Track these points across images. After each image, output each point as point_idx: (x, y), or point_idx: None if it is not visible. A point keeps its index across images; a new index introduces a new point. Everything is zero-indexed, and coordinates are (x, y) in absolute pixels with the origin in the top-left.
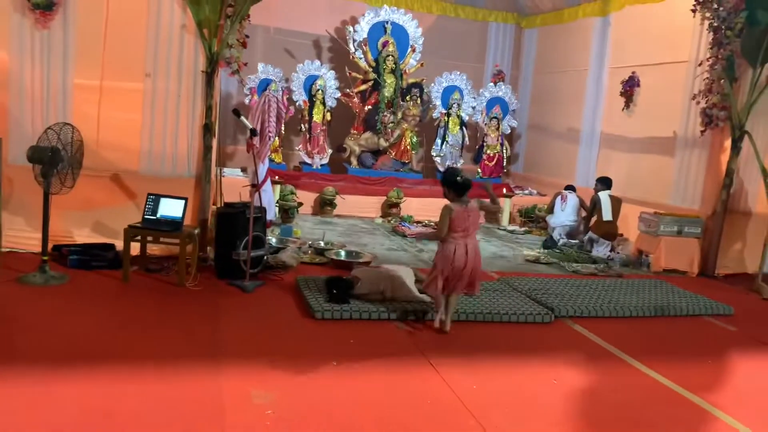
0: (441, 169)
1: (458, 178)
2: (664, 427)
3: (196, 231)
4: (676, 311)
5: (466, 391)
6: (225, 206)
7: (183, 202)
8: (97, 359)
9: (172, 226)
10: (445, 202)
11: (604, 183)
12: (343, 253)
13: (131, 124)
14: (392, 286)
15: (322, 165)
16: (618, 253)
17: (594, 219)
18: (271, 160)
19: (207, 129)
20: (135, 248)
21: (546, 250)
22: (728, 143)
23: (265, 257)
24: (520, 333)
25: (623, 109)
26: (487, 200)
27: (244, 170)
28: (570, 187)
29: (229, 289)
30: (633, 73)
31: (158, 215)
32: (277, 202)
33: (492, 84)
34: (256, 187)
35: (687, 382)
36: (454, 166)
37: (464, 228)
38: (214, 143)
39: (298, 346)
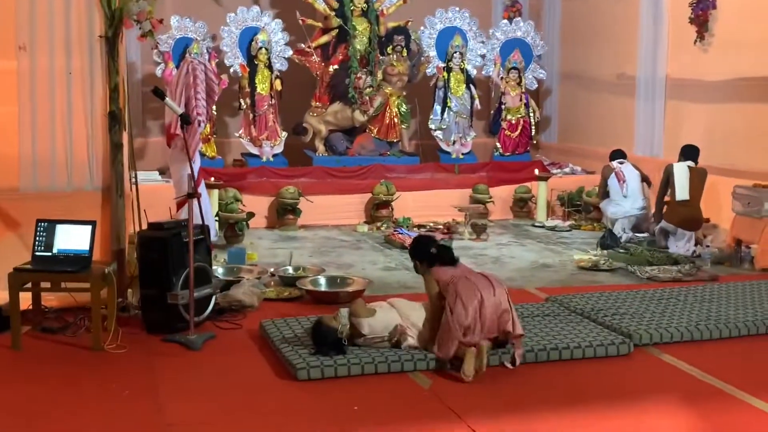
0: (444, 147)
1: (432, 248)
2: None
3: (112, 268)
4: None
5: None
6: (150, 227)
7: (89, 228)
8: None
9: (77, 264)
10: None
11: (686, 153)
12: (322, 280)
13: (3, 121)
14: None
15: (274, 156)
16: (707, 246)
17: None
18: (201, 156)
19: (114, 119)
20: (25, 300)
21: (605, 251)
22: None
23: (214, 297)
24: (589, 374)
25: (695, 42)
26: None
27: (162, 173)
28: (617, 155)
29: (166, 348)
30: None
31: (55, 250)
32: (217, 215)
33: (505, 21)
34: (192, 195)
35: None
36: (425, 234)
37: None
38: (125, 138)
39: (281, 422)
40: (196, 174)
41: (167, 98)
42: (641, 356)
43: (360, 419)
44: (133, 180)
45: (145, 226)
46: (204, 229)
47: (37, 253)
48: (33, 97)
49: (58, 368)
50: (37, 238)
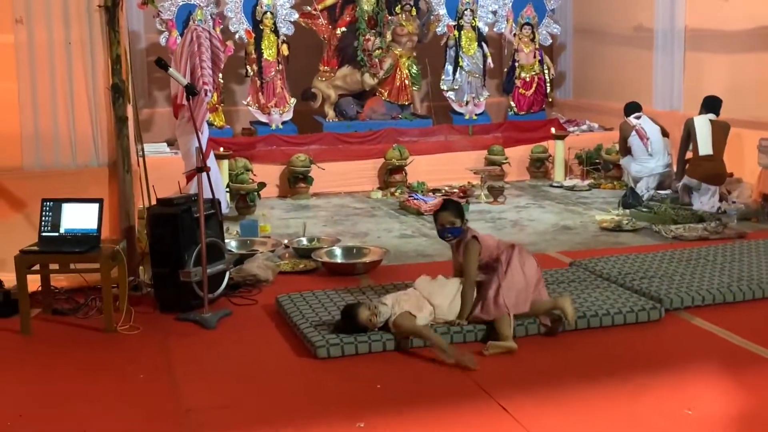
0: (457, 108)
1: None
2: None
3: (122, 246)
4: None
5: None
6: (160, 203)
7: (97, 206)
8: None
9: (85, 243)
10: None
11: (707, 105)
12: (338, 251)
13: (3, 97)
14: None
15: (284, 123)
16: (732, 203)
17: (689, 155)
18: (209, 125)
19: (117, 91)
20: (34, 282)
21: (627, 210)
22: None
23: (228, 273)
24: (620, 341)
25: None
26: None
27: (170, 144)
28: (633, 108)
29: (180, 327)
30: None
31: (62, 230)
32: (228, 186)
33: None
34: (200, 169)
35: None
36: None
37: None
38: (130, 111)
39: (303, 403)
40: (204, 146)
41: (171, 69)
42: (673, 321)
43: (384, 398)
44: (141, 153)
45: (154, 202)
46: (215, 203)
47: (44, 234)
48: (32, 71)
49: (70, 352)
50: (43, 219)
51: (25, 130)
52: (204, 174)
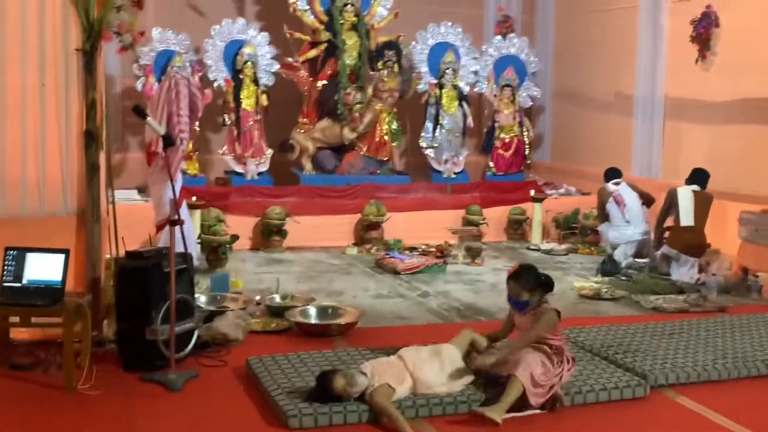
0: (436, 165)
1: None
2: None
3: (87, 300)
4: None
5: None
6: (128, 256)
7: (62, 257)
8: None
9: (49, 296)
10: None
11: (694, 177)
12: (312, 311)
13: None
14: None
15: (260, 174)
16: (712, 275)
17: (670, 224)
18: (183, 173)
19: (90, 138)
20: None
21: (606, 278)
22: None
23: (196, 331)
24: (606, 419)
25: (697, 62)
26: None
27: (141, 191)
28: (612, 174)
29: (144, 389)
30: (708, 7)
31: (25, 280)
32: (199, 237)
33: (498, 37)
34: (175, 222)
35: None
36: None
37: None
38: (102, 158)
39: None
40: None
41: (149, 117)
42: (657, 399)
43: None
44: (111, 200)
45: (122, 252)
46: (187, 257)
47: (6, 284)
48: (3, 114)
49: (26, 412)
50: (6, 268)
51: None
52: (177, 227)
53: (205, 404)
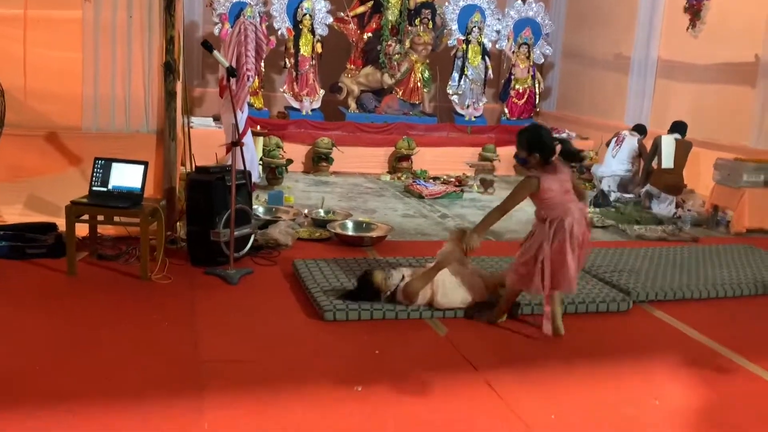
0: (459, 110)
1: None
2: None
3: (162, 204)
4: None
5: (544, 424)
6: (198, 171)
7: (142, 167)
8: (32, 398)
9: (130, 200)
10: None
11: (675, 127)
12: (350, 224)
13: (69, 66)
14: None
15: (313, 110)
16: (688, 210)
17: (654, 167)
18: (249, 106)
19: (169, 69)
20: (82, 228)
21: (598, 209)
22: None
23: (253, 236)
24: (593, 329)
25: (688, 29)
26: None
27: (216, 119)
28: (638, 128)
29: (207, 281)
30: None
31: (110, 186)
32: (261, 160)
33: (519, 1)
34: (235, 144)
35: None
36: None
37: (567, 190)
38: (179, 87)
39: (307, 363)
40: (242, 124)
41: (215, 51)
42: (639, 313)
43: (381, 364)
44: (191, 125)
45: (193, 168)
46: (246, 174)
47: (94, 188)
48: (96, 45)
49: (107, 295)
50: (95, 174)
51: (86, 96)
52: (238, 148)
53: (256, 296)
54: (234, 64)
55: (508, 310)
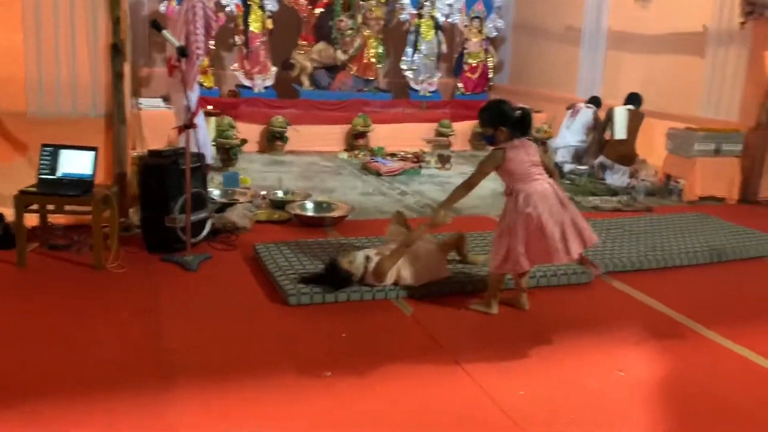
0: (414, 85)
1: (516, 112)
2: None
3: (114, 191)
4: (735, 253)
5: (512, 401)
6: (150, 154)
7: (92, 154)
8: None
9: (80, 187)
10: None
11: (629, 99)
12: (309, 205)
13: (9, 47)
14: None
15: (265, 88)
16: (641, 180)
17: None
18: (200, 85)
19: (116, 50)
20: (32, 218)
21: None
22: None
23: (210, 220)
24: (556, 303)
25: (636, 0)
26: None
27: (166, 100)
28: (593, 100)
29: (164, 268)
30: None
31: (59, 173)
32: (214, 141)
33: None
34: (188, 126)
35: None
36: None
37: (533, 163)
38: (127, 68)
39: (272, 349)
40: (193, 105)
41: (165, 31)
42: (599, 285)
43: (349, 346)
44: (139, 106)
45: (145, 152)
46: (200, 156)
47: (42, 176)
48: (38, 25)
49: (60, 287)
50: (43, 162)
51: (29, 79)
52: (191, 130)
53: (216, 282)
54: (183, 43)
55: (498, 294)
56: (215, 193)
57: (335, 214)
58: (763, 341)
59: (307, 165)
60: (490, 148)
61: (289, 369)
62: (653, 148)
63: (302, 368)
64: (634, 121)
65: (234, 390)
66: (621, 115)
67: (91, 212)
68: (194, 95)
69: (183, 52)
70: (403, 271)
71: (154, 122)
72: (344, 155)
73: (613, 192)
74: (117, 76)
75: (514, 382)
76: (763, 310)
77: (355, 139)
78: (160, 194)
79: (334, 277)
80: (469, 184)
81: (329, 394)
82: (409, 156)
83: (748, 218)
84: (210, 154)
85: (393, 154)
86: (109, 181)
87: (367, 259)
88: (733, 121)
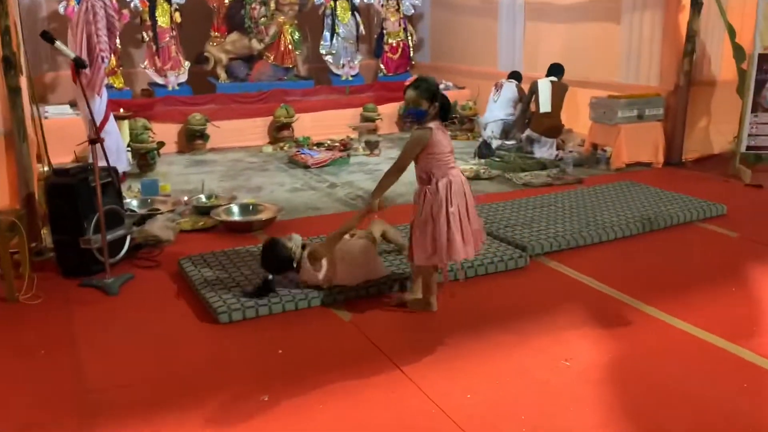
0: (335, 70)
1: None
2: (728, 400)
3: (20, 215)
4: (665, 221)
5: (459, 405)
6: (55, 173)
7: None
8: None
9: None
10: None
11: (552, 70)
12: (235, 209)
13: None
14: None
15: (180, 84)
16: (569, 152)
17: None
18: (109, 87)
19: (8, 64)
20: None
21: (483, 160)
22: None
23: (129, 236)
24: (494, 291)
25: None
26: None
27: (73, 105)
28: (514, 75)
29: (83, 294)
30: None
31: None
32: (129, 145)
33: None
34: (94, 141)
35: (717, 326)
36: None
37: (451, 150)
38: (24, 81)
39: (204, 377)
40: (102, 112)
41: (57, 42)
42: (536, 267)
43: (286, 365)
44: (45, 116)
45: (49, 170)
46: (111, 171)
47: None
48: None
49: None
50: None
51: None
52: (99, 144)
53: (141, 305)
54: (85, 46)
55: (434, 291)
56: (133, 204)
57: (263, 216)
58: (700, 314)
59: (231, 163)
60: (416, 128)
61: (223, 397)
62: (578, 118)
63: (237, 394)
64: (558, 93)
65: (162, 427)
66: (545, 87)
67: None
68: (103, 99)
69: (80, 63)
70: (339, 265)
71: (62, 131)
72: (269, 149)
73: (543, 165)
74: (13, 91)
75: (459, 384)
76: (695, 279)
77: (279, 132)
78: (72, 215)
79: (273, 257)
80: (398, 168)
81: (267, 420)
82: (336, 144)
83: (674, 181)
84: (126, 160)
85: (320, 144)
86: (15, 205)
87: (304, 244)
88: (654, 86)
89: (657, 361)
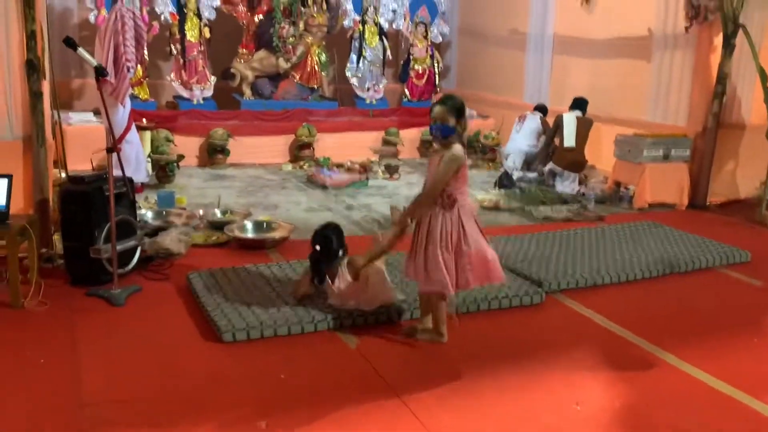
0: (359, 93)
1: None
2: None
3: (32, 220)
4: (687, 265)
5: None
6: (70, 180)
7: (6, 181)
8: None
9: None
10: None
11: (576, 104)
12: (249, 225)
13: None
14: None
15: (204, 99)
16: (592, 188)
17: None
18: (134, 98)
19: (31, 67)
20: None
21: (503, 191)
22: (719, 41)
23: (141, 247)
24: (507, 327)
25: (582, 4)
26: None
27: (96, 113)
28: (540, 108)
29: (89, 304)
30: None
31: None
32: (149, 156)
33: None
34: (111, 150)
35: (736, 378)
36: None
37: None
38: (46, 87)
39: (202, 398)
40: (124, 121)
41: (80, 48)
42: (552, 304)
43: (288, 389)
44: (69, 122)
45: (65, 176)
46: (126, 181)
47: None
48: None
49: None
50: None
51: None
52: (115, 154)
53: (145, 319)
54: (112, 55)
55: (444, 321)
56: (148, 215)
57: (276, 235)
58: (718, 364)
59: (250, 179)
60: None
61: (221, 420)
62: (601, 154)
63: (235, 418)
64: (583, 128)
65: None
66: (569, 122)
67: (6, 246)
68: (126, 109)
69: (101, 71)
70: (370, 284)
71: (83, 139)
72: (289, 167)
73: (563, 200)
74: (35, 96)
75: (464, 423)
76: (715, 327)
77: (299, 150)
78: (84, 223)
79: (324, 235)
80: (437, 189)
81: None
82: (355, 166)
83: (698, 225)
84: (144, 171)
85: (339, 165)
86: (29, 210)
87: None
88: (681, 126)
89: (670, 410)
